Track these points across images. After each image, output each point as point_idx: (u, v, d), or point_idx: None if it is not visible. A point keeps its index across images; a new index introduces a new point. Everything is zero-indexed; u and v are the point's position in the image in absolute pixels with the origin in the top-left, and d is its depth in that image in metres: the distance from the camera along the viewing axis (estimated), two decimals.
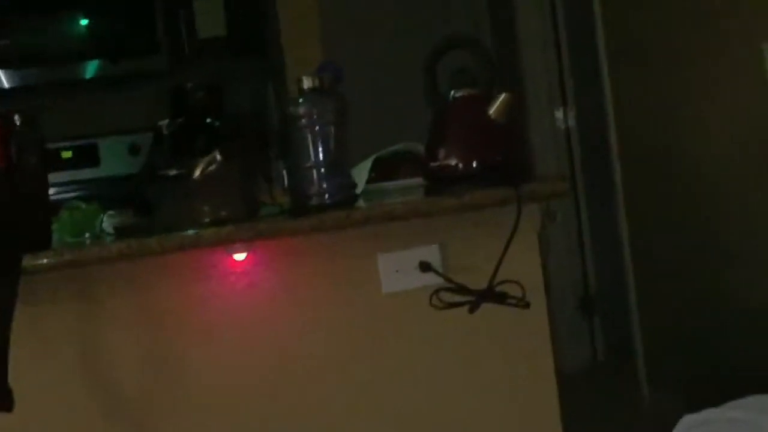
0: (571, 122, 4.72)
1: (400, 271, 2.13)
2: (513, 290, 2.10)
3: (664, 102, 3.64)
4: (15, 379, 1.81)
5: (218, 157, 1.97)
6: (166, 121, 2.06)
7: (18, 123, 1.90)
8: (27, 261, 1.85)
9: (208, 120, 2.06)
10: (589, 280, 4.79)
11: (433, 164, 2.15)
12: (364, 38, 4.60)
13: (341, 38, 4.28)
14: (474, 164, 2.10)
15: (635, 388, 4.04)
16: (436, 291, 2.11)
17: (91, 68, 4.10)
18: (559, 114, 4.74)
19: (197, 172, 1.96)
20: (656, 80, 3.67)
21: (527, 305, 2.11)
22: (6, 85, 4.05)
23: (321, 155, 2.02)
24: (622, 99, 3.95)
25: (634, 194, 3.98)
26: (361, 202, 2.11)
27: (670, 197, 3.66)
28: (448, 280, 2.11)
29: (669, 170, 3.66)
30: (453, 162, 2.11)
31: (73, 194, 3.74)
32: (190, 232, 1.93)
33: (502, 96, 2.12)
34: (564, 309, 4.74)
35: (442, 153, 2.13)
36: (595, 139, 4.34)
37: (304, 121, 2.02)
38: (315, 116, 2.02)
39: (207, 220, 1.97)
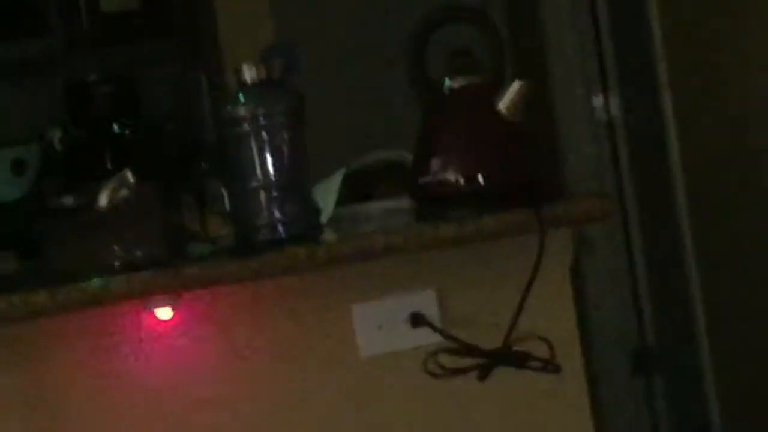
0: (615, 112, 4.72)
1: (383, 327, 2.13)
2: (538, 349, 2.11)
3: (736, 87, 3.66)
4: None
5: (131, 178, 1.97)
6: (58, 132, 2.06)
7: None
8: None
9: (117, 127, 2.06)
10: (645, 329, 4.78)
11: (424, 179, 2.16)
12: (329, 9, 4.60)
13: (298, 9, 4.29)
14: (479, 178, 2.11)
15: None
16: (434, 353, 2.11)
17: None
18: (598, 102, 4.75)
19: (103, 200, 1.96)
20: (723, 56, 3.68)
21: (557, 369, 2.11)
22: None
23: (271, 171, 2.02)
24: (682, 82, 3.97)
25: (703, 210, 3.98)
26: (328, 234, 2.11)
27: (753, 211, 3.67)
28: (449, 337, 2.11)
29: (750, 177, 3.67)
30: (451, 176, 2.12)
31: None
32: (95, 281, 1.92)
33: (515, 84, 2.13)
34: (612, 370, 4.73)
35: (435, 164, 2.14)
36: (647, 136, 4.35)
37: (246, 125, 2.02)
38: (261, 118, 2.02)
39: (117, 264, 1.96)
